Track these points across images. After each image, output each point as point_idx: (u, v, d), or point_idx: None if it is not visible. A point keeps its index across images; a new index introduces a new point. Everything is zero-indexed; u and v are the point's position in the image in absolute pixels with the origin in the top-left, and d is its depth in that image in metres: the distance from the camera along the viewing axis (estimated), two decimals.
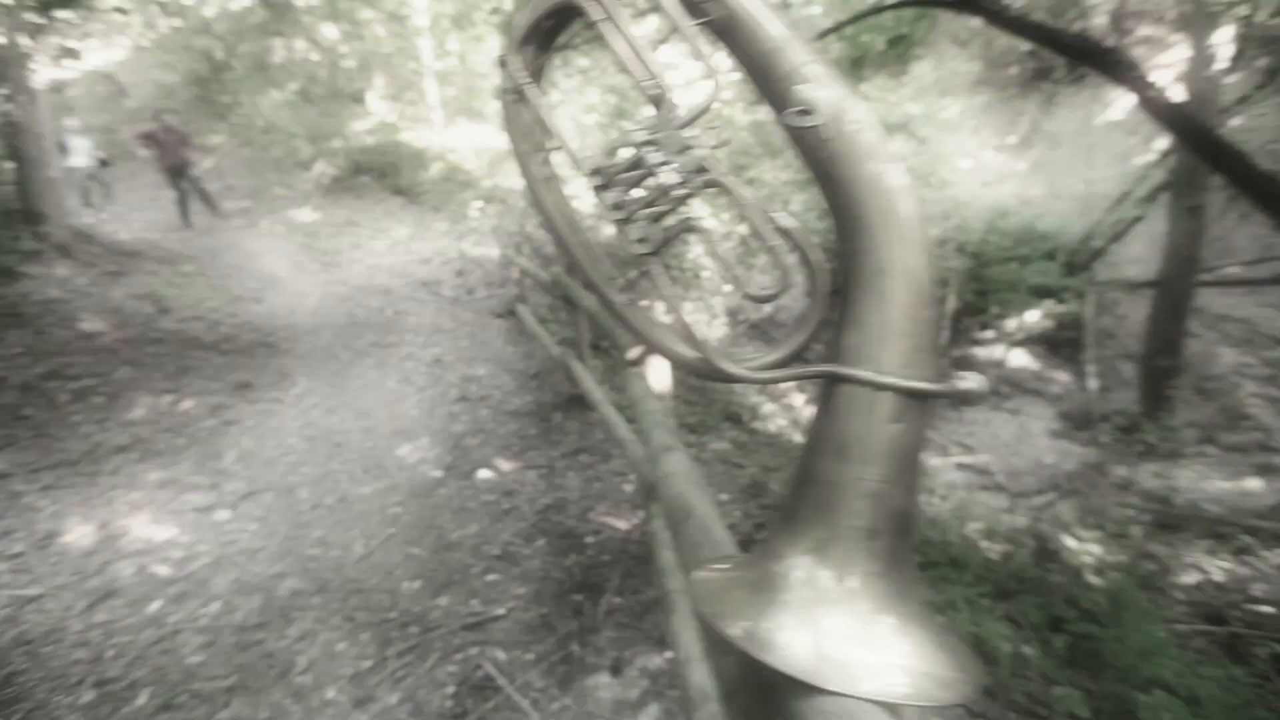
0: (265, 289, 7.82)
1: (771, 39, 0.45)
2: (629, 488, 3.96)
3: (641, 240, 0.48)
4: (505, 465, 4.28)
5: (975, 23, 12.73)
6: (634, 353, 2.78)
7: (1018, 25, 3.99)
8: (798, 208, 8.06)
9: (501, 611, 2.97)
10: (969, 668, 0.44)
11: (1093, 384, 8.91)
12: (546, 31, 0.52)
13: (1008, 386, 8.98)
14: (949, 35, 13.38)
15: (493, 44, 12.94)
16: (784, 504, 0.49)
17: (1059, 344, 9.66)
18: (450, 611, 2.98)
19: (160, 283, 7.01)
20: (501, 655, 2.72)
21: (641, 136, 0.46)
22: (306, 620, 2.95)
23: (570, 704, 2.50)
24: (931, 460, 7.14)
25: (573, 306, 4.81)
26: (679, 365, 0.53)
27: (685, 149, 0.46)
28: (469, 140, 12.70)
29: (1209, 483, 6.66)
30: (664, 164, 0.46)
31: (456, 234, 10.01)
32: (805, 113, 0.45)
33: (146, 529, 3.58)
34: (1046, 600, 3.67)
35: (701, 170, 0.46)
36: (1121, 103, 13.07)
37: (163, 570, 3.29)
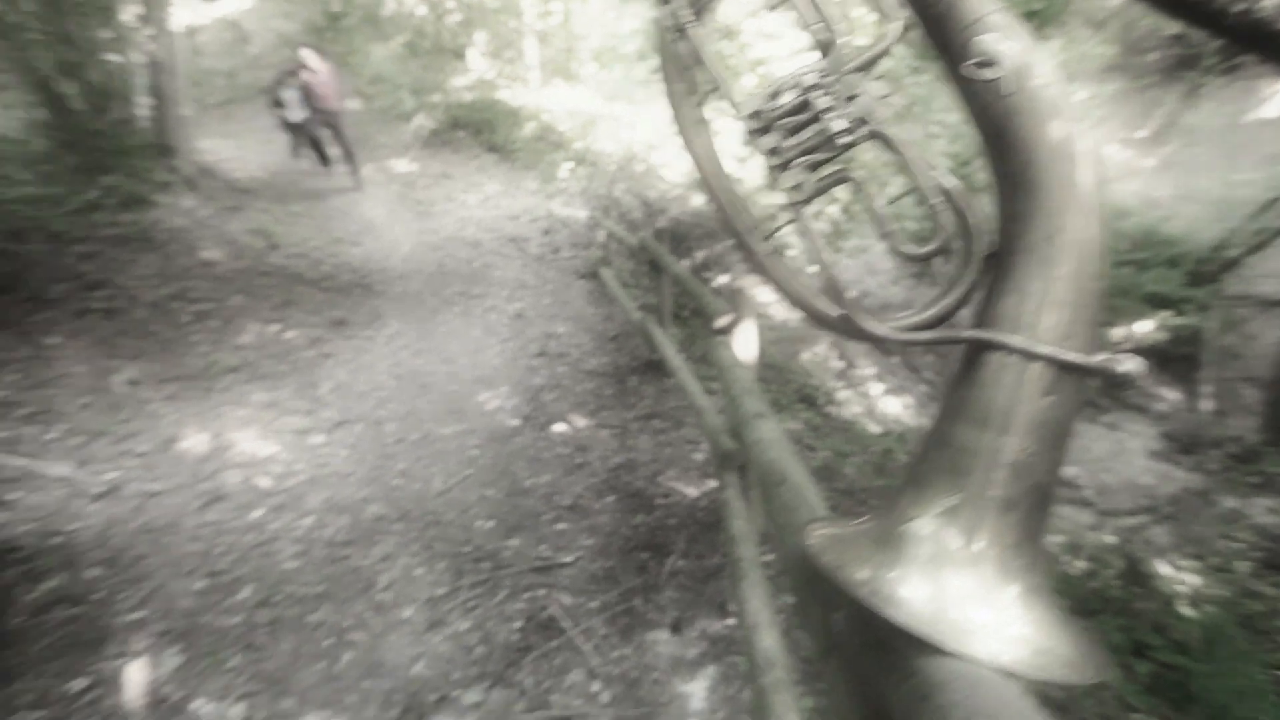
0: (363, 233, 8.19)
1: None
2: (700, 456, 3.97)
3: (795, 188, 0.46)
4: (580, 422, 4.37)
5: (1115, 1, 11.66)
6: (722, 320, 2.74)
7: (1174, 4, 3.61)
8: (895, 190, 7.70)
9: (569, 559, 3.06)
10: (1093, 652, 0.42)
11: (1206, 405, 8.20)
12: None
13: (1106, 399, 8.38)
14: (1083, 15, 12.31)
15: (596, 6, 12.87)
16: (912, 467, 0.47)
17: (1171, 359, 8.90)
18: (520, 553, 3.10)
19: (271, 220, 7.46)
20: (567, 599, 2.81)
21: (811, 80, 0.44)
22: (389, 544, 3.13)
23: (629, 654, 2.57)
24: None
25: (658, 272, 4.80)
26: (819, 322, 0.51)
27: (854, 96, 0.44)
28: (563, 102, 12.75)
29: None
30: (830, 110, 0.44)
31: (546, 193, 10.13)
32: (987, 64, 0.41)
33: (252, 444, 3.88)
34: (1131, 624, 3.47)
35: (865, 120, 0.44)
36: (1279, 99, 11.74)
37: (264, 482, 3.56)
